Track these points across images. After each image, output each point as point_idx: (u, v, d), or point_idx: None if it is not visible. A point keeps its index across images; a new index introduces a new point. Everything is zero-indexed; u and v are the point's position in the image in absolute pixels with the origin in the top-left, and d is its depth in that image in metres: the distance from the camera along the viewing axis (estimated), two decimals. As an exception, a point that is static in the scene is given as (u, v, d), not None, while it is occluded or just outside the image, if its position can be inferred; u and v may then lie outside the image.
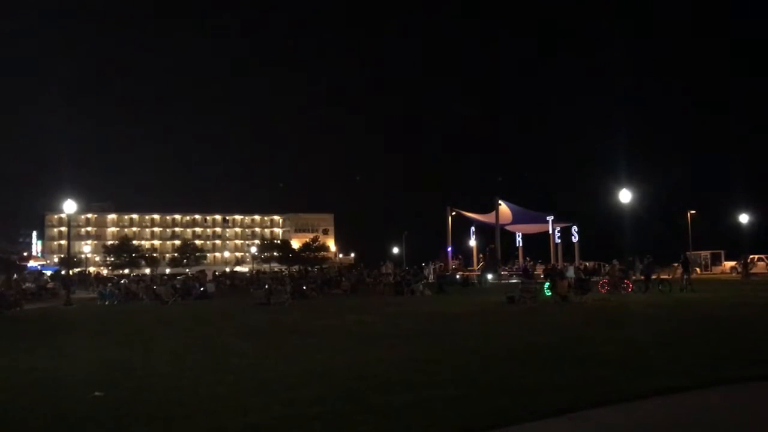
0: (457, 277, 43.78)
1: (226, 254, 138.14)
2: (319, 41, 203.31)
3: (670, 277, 33.18)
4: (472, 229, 58.11)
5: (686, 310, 18.18)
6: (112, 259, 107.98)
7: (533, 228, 56.23)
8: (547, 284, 25.05)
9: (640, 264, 30.17)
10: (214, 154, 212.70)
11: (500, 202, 53.80)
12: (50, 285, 44.50)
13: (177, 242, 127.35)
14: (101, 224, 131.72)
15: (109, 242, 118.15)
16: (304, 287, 33.01)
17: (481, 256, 55.62)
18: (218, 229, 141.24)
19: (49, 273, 66.43)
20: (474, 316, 18.34)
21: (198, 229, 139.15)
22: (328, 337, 13.91)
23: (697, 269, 50.03)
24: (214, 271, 68.53)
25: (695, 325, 14.25)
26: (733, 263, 50.70)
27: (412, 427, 6.21)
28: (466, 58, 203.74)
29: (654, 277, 28.22)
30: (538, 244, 57.64)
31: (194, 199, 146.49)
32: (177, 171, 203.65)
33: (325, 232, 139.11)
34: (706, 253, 56.95)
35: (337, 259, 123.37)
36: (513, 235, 57.50)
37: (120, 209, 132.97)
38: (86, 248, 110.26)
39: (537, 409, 6.65)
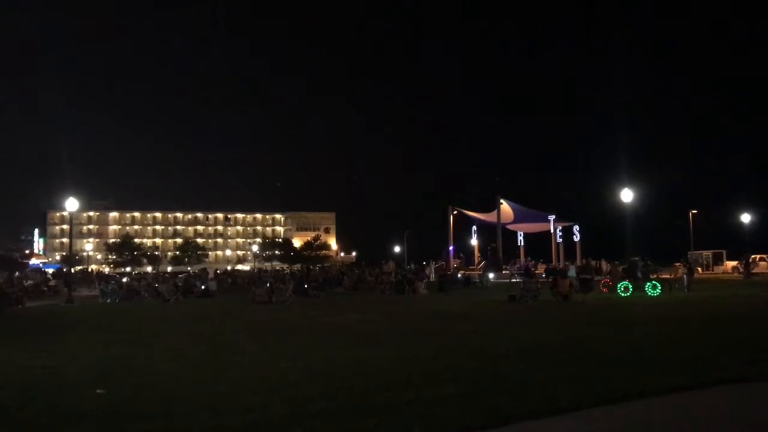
0: (459, 276, 43.77)
1: (228, 252, 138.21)
2: (320, 41, 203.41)
3: (671, 276, 33.18)
4: (474, 228, 58.09)
5: (687, 309, 18.17)
6: (114, 257, 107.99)
7: (535, 227, 56.22)
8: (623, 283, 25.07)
9: (641, 262, 30.17)
10: (216, 152, 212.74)
11: (502, 201, 53.78)
12: (52, 283, 44.58)
13: (179, 240, 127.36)
14: (103, 222, 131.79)
15: (111, 240, 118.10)
16: (306, 286, 33.02)
17: (478, 257, 55.53)
18: (220, 228, 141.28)
19: (50, 271, 66.53)
20: (475, 315, 18.34)
21: (200, 227, 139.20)
22: (329, 336, 13.93)
23: (699, 269, 49.96)
24: (216, 270, 68.54)
25: (696, 325, 14.23)
26: (734, 263, 50.64)
27: (413, 425, 6.22)
28: (467, 57, 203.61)
29: (653, 276, 28.23)
30: (539, 243, 57.67)
31: (196, 197, 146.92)
32: (179, 169, 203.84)
33: (327, 231, 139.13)
34: (707, 253, 56.91)
35: (338, 257, 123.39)
36: (515, 234, 57.49)
37: (122, 207, 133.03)
38: (88, 246, 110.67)
39: (538, 408, 6.66)
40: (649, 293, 24.30)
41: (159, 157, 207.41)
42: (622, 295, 24.29)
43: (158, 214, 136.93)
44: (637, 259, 31.31)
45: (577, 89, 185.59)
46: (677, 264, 44.54)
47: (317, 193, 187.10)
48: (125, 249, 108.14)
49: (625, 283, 25.11)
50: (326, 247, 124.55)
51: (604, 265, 41.81)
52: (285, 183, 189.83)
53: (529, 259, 54.28)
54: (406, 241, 77.18)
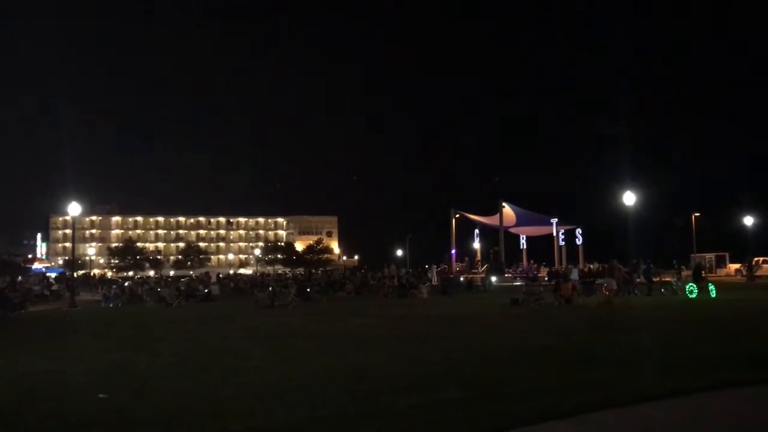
0: (461, 279, 43.73)
1: (230, 256, 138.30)
2: (320, 41, 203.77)
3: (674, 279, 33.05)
4: (476, 231, 58.05)
5: (689, 312, 18.13)
6: (117, 261, 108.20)
7: (537, 230, 56.17)
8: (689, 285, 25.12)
9: (644, 265, 30.12)
10: (218, 156, 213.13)
11: (504, 204, 53.74)
12: (55, 287, 44.63)
13: (181, 244, 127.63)
14: (105, 226, 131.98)
15: (114, 244, 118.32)
16: (308, 290, 33.02)
17: (477, 261, 55.44)
18: (222, 232, 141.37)
19: (53, 275, 66.61)
20: (478, 319, 18.32)
21: (202, 232, 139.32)
22: (331, 340, 13.92)
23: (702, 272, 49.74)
24: (218, 274, 68.48)
25: (698, 328, 14.20)
26: (737, 266, 50.52)
27: (416, 429, 6.21)
28: (468, 57, 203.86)
29: (656, 279, 28.20)
30: (542, 246, 57.60)
31: (198, 201, 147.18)
32: (181, 173, 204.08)
33: (329, 235, 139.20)
34: (710, 256, 56.71)
35: (340, 261, 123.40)
36: (517, 237, 57.45)
37: (124, 211, 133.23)
38: (90, 250, 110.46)
39: (541, 412, 6.64)
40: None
41: (161, 161, 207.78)
42: (690, 296, 24.19)
43: (161, 219, 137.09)
44: (635, 261, 31.27)
45: (578, 90, 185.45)
46: (677, 268, 44.30)
47: (319, 196, 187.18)
48: (128, 253, 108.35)
49: (692, 285, 25.12)
50: (328, 250, 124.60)
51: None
52: (286, 187, 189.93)
53: (531, 262, 54.23)
54: (408, 244, 77.13)
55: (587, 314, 18.74)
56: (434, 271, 48.19)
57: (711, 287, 24.85)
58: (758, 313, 17.73)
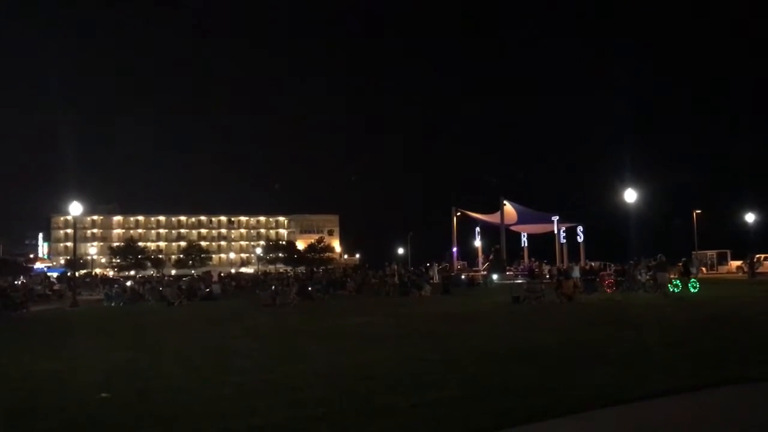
0: (463, 277, 43.68)
1: (232, 255, 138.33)
2: (320, 42, 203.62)
3: (675, 277, 33.02)
4: (477, 229, 58.01)
5: (692, 310, 18.12)
6: (118, 260, 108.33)
7: (538, 228, 56.11)
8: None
9: (644, 261, 30.12)
10: (219, 155, 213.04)
11: (505, 202, 53.67)
12: (56, 287, 44.70)
13: (182, 244, 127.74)
14: (107, 226, 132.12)
15: (115, 244, 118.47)
16: (310, 288, 33.04)
17: (490, 257, 55.38)
18: (223, 231, 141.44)
19: (55, 275, 66.64)
20: (479, 317, 18.32)
21: (203, 231, 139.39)
22: (333, 338, 13.92)
23: (703, 269, 49.78)
24: (220, 273, 68.56)
25: (701, 325, 14.20)
26: (739, 263, 50.51)
27: (418, 428, 6.22)
28: (469, 57, 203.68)
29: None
30: (543, 244, 57.56)
31: (199, 200, 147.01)
32: (182, 172, 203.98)
33: (330, 233, 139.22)
34: (712, 253, 56.68)
35: (342, 260, 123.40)
36: (518, 235, 57.39)
37: (125, 211, 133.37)
38: (92, 250, 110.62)
39: (542, 410, 6.64)
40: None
41: (163, 160, 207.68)
42: (675, 291, 25.74)
43: (162, 218, 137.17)
44: (637, 259, 31.25)
45: (580, 88, 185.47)
46: (679, 264, 44.27)
47: (320, 195, 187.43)
48: (129, 253, 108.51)
49: (677, 281, 26.63)
50: (330, 249, 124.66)
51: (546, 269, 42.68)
52: (288, 186, 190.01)
53: (533, 260, 54.18)
54: (409, 242, 77.13)
55: (588, 312, 18.75)
56: (436, 269, 48.17)
57: (694, 282, 26.44)
58: (758, 311, 17.70)
